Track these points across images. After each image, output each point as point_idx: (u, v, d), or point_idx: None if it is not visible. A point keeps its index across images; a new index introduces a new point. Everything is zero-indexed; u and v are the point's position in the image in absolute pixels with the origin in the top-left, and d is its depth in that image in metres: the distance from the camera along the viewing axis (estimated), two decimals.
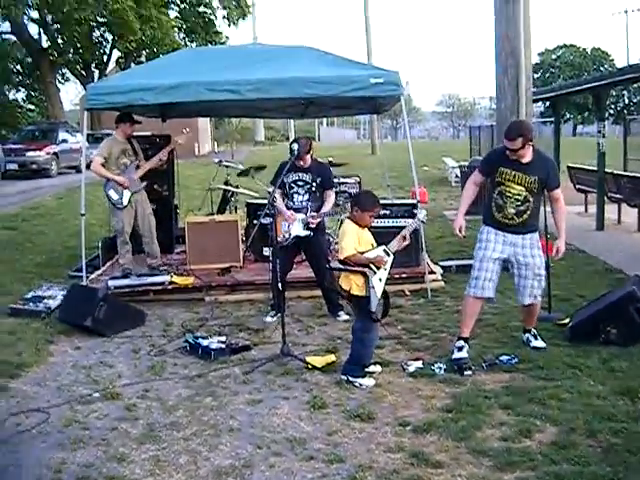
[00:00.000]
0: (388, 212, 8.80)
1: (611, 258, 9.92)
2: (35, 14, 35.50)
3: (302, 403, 5.28)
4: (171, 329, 7.44)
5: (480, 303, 6.18)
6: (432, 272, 8.88)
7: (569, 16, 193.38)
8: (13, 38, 37.70)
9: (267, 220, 7.93)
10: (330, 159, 11.64)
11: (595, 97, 13.40)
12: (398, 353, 6.37)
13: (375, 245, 5.69)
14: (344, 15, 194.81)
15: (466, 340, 6.09)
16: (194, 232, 9.59)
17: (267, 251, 8.90)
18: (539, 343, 6.27)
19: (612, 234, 12.23)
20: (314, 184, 7.50)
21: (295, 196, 7.53)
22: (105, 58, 40.59)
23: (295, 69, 8.47)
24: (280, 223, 7.38)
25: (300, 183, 7.50)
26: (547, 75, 73.29)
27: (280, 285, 6.70)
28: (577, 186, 15.08)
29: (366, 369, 5.72)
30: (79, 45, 37.00)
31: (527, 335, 6.38)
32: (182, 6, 41.35)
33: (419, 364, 5.93)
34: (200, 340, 6.60)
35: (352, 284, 5.54)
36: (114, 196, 8.85)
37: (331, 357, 6.11)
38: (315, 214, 7.41)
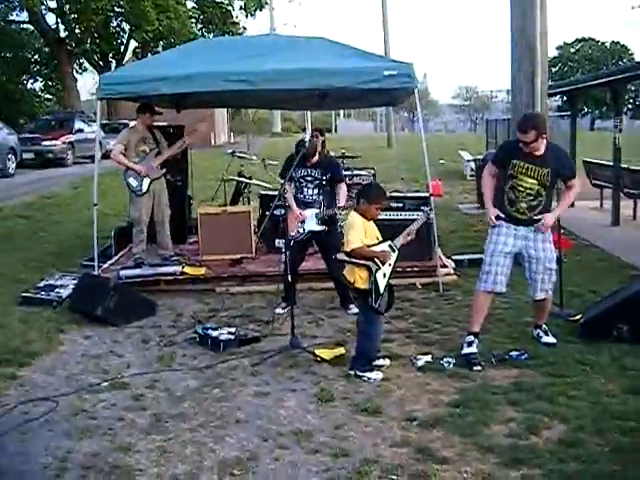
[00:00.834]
0: (400, 205, 8.76)
1: (625, 254, 9.81)
2: (53, 4, 35.66)
3: (310, 396, 5.27)
4: (181, 320, 7.44)
5: (491, 298, 6.14)
6: (444, 266, 8.84)
7: (588, 9, 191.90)
8: (31, 28, 37.84)
9: (279, 212, 7.91)
10: (343, 151, 11.63)
11: (612, 91, 13.27)
12: (408, 347, 6.34)
13: (381, 239, 5.66)
14: (362, 8, 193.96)
15: (476, 335, 6.04)
16: (206, 223, 9.60)
17: (279, 243, 8.89)
18: (550, 339, 6.22)
19: (627, 230, 12.12)
20: (324, 179, 7.48)
21: (305, 190, 7.51)
22: (122, 48, 40.65)
23: (309, 60, 8.42)
24: (292, 218, 7.36)
25: (309, 179, 7.47)
26: (565, 69, 72.96)
27: (290, 277, 6.69)
28: (593, 181, 14.96)
29: (375, 362, 5.70)
30: (96, 35, 37.07)
31: (538, 331, 6.34)
32: None
33: (428, 358, 5.90)
34: (210, 331, 6.59)
35: (356, 277, 5.52)
36: (133, 183, 8.96)
37: (340, 350, 6.08)
38: (331, 210, 7.39)
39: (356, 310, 7.32)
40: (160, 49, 38.51)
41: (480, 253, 6.36)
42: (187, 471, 4.19)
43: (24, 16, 36.06)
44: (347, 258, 5.56)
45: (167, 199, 9.31)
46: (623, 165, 12.78)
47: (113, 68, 38.52)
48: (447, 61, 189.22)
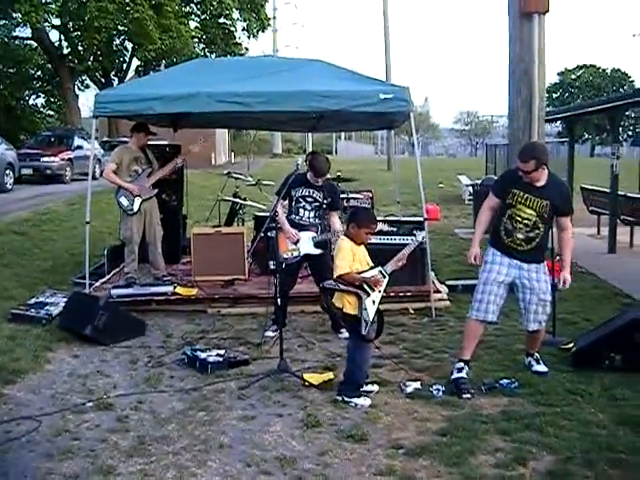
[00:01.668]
0: (394, 229, 8.69)
1: (621, 282, 9.77)
2: (56, 21, 35.78)
3: (296, 421, 5.20)
4: (171, 340, 7.39)
5: (482, 326, 6.07)
6: (438, 291, 8.78)
7: (590, 36, 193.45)
8: (34, 44, 37.99)
9: (273, 233, 7.87)
10: (338, 173, 11.59)
11: (609, 118, 13.29)
12: (397, 373, 6.26)
13: (371, 263, 5.62)
14: (365, 31, 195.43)
15: (466, 362, 5.98)
16: (199, 243, 9.55)
17: (272, 264, 8.82)
18: (541, 367, 6.15)
19: (623, 257, 12.07)
20: (324, 202, 7.44)
21: (301, 211, 7.46)
22: (124, 66, 40.79)
23: (305, 82, 8.42)
24: (284, 239, 7.32)
25: (309, 199, 7.42)
26: (566, 95, 73.33)
27: (280, 301, 6.64)
28: (590, 208, 14.92)
29: (363, 388, 5.64)
30: (99, 53, 37.21)
31: (529, 359, 6.27)
32: (203, 17, 41.50)
33: (417, 385, 5.83)
34: (198, 353, 6.53)
35: (345, 302, 5.48)
36: (125, 202, 8.96)
37: (329, 375, 6.02)
38: (330, 235, 7.37)
39: (347, 334, 7.28)
40: (162, 68, 38.65)
41: (474, 279, 6.30)
42: None
43: (27, 32, 36.20)
44: (334, 284, 5.51)
45: (159, 218, 9.30)
46: (620, 192, 12.76)
47: (115, 86, 38.64)
48: (449, 86, 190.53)
